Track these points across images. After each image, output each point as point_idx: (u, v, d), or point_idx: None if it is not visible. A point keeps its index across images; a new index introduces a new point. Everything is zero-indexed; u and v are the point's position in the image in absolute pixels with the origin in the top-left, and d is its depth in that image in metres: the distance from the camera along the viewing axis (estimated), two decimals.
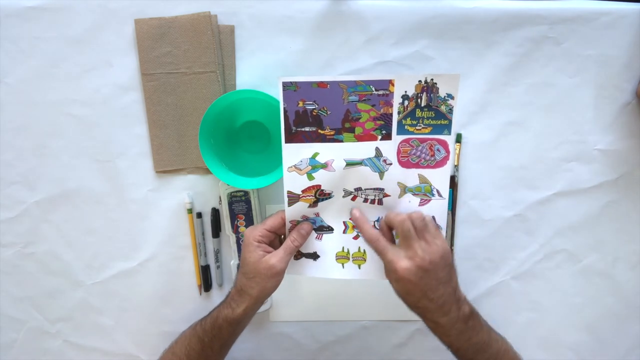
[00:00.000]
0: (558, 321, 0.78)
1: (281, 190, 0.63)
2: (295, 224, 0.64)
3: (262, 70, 0.72)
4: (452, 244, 0.75)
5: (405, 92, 0.60)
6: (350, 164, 0.62)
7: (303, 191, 0.63)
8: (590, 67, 0.72)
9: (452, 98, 0.60)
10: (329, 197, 0.64)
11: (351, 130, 0.61)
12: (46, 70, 0.72)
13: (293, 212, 0.64)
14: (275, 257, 0.60)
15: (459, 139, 0.73)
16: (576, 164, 0.74)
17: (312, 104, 0.60)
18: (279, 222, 0.63)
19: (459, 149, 0.74)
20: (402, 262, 0.56)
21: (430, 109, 0.61)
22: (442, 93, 0.60)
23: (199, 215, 0.75)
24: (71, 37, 0.71)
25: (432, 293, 0.57)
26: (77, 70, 0.72)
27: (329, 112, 0.60)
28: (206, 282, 0.77)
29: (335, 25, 0.70)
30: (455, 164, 0.74)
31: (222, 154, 0.72)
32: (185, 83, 0.72)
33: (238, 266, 0.62)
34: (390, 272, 0.58)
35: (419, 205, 0.64)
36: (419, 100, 0.60)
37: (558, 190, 0.75)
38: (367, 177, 0.63)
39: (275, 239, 0.64)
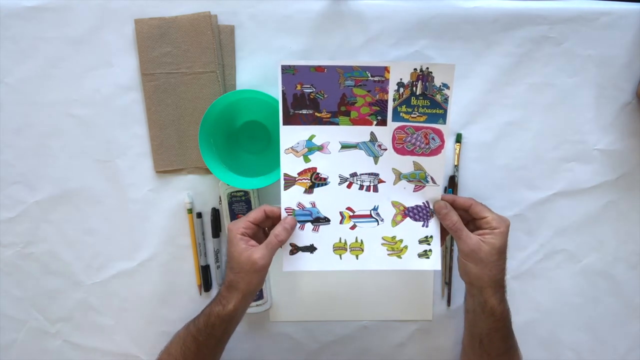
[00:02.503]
0: (558, 321, 0.78)
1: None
2: (291, 212, 0.64)
3: (262, 70, 0.72)
4: (452, 244, 0.75)
5: (401, 79, 0.61)
6: (345, 146, 0.63)
7: (299, 174, 0.64)
8: (590, 67, 0.72)
9: (448, 88, 0.61)
10: (325, 184, 0.64)
11: (347, 113, 0.62)
12: (46, 70, 0.72)
13: (289, 197, 0.64)
14: (257, 253, 0.60)
15: (459, 139, 0.73)
16: (576, 164, 0.74)
17: (310, 87, 0.61)
18: (262, 215, 0.63)
19: (459, 149, 0.74)
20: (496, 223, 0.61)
21: (426, 97, 0.61)
22: (437, 82, 0.61)
23: (199, 215, 0.75)
24: (71, 37, 0.71)
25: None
26: (77, 70, 0.72)
27: (325, 96, 0.62)
28: (206, 282, 0.77)
29: (335, 25, 0.70)
30: (455, 164, 0.74)
31: (222, 154, 0.72)
32: (185, 83, 0.72)
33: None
34: (491, 232, 0.61)
35: (414, 191, 0.64)
36: (414, 88, 0.61)
37: (558, 190, 0.75)
38: (362, 161, 0.64)
39: (259, 231, 0.64)
